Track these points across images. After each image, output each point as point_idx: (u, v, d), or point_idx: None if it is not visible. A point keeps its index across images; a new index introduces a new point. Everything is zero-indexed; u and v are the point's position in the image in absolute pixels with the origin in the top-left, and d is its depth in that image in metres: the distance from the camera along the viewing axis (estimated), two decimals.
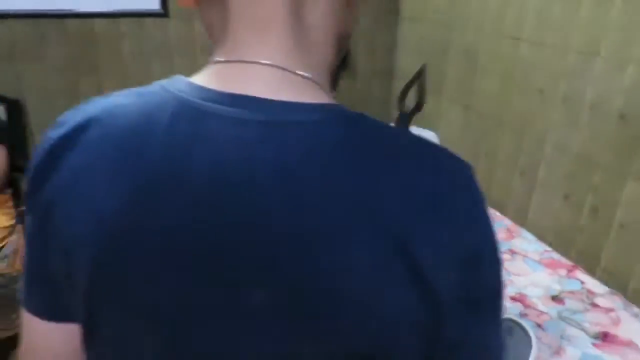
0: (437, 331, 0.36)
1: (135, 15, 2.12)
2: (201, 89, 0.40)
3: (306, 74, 0.40)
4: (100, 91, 2.17)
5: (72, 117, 0.43)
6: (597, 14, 1.48)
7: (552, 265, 1.60)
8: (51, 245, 0.42)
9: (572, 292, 1.46)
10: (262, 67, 0.40)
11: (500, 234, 1.79)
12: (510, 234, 1.77)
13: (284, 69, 0.40)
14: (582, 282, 1.50)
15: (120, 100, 0.43)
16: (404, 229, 0.34)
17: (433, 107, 2.38)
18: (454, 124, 2.24)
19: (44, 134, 0.45)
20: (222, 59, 0.42)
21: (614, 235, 1.51)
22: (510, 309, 1.39)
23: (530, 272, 1.57)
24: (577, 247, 1.65)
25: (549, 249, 1.67)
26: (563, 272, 1.56)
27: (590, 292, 1.46)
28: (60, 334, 0.48)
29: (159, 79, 1.82)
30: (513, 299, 1.43)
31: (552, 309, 1.39)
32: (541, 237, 1.75)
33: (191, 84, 0.42)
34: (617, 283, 1.50)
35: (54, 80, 2.10)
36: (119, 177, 0.39)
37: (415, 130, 2.39)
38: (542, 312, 1.37)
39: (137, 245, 0.38)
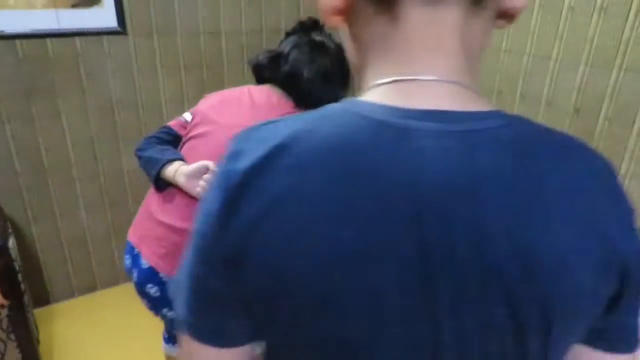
0: (616, 308, 0.43)
1: (91, 34, 2.04)
2: (392, 108, 0.41)
3: (472, 87, 0.44)
4: (57, 113, 2.05)
5: (252, 146, 0.42)
6: (547, 22, 1.68)
7: None
8: (246, 274, 0.42)
9: None
10: (438, 83, 0.42)
11: None
12: None
13: (456, 83, 0.42)
14: None
15: (300, 125, 0.42)
16: (604, 223, 0.40)
17: None
18: None
19: (220, 169, 0.44)
20: (393, 78, 0.43)
21: None
22: None
23: None
24: None
25: None
26: None
27: None
28: (232, 357, 0.48)
29: (120, 98, 1.75)
30: None
31: None
32: None
33: (375, 104, 0.42)
34: None
35: (5, 104, 1.95)
36: (333, 200, 0.39)
37: None
38: None
39: (364, 271, 0.39)
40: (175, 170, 1.17)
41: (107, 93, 2.13)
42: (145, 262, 1.19)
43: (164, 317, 1.24)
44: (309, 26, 1.32)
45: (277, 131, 0.43)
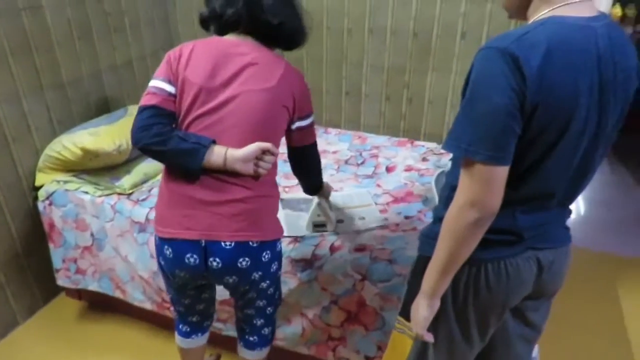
0: None
1: None
2: (580, 17, 0.83)
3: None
4: None
5: (530, 49, 0.78)
6: None
7: (402, 143, 2.34)
8: (535, 116, 0.82)
9: (427, 154, 2.24)
10: (582, 3, 0.84)
11: (355, 142, 2.39)
12: (363, 140, 2.40)
13: (588, 1, 0.85)
14: (423, 146, 2.30)
15: (547, 34, 0.80)
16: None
17: None
18: None
19: (508, 67, 0.79)
20: (563, 3, 0.84)
21: (427, 111, 2.36)
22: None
23: (396, 154, 2.26)
24: (404, 129, 2.45)
25: (392, 138, 2.40)
26: (409, 145, 2.32)
27: (430, 150, 2.27)
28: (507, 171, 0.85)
29: None
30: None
31: (430, 164, 2.13)
32: (378, 132, 2.46)
33: (571, 17, 0.82)
34: (436, 139, 2.39)
35: None
36: (577, 84, 0.81)
37: None
38: (428, 168, 2.10)
39: (587, 91, 0.83)
40: (224, 157, 1.15)
41: None
42: (228, 243, 1.18)
43: (251, 282, 1.26)
44: None
45: (540, 40, 0.80)
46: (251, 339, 1.48)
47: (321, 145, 2.38)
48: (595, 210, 3.02)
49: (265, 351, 1.52)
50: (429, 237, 1.03)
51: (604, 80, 0.84)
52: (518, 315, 1.09)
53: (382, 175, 2.10)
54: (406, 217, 1.77)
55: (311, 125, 1.34)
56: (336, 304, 1.58)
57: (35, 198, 1.95)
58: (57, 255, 2.00)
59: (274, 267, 1.30)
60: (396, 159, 2.22)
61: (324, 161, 2.23)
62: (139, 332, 2.03)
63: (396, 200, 1.90)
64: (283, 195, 1.91)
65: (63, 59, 2.05)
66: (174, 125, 1.22)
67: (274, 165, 1.28)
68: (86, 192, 1.87)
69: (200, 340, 1.54)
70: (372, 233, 1.68)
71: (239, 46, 1.22)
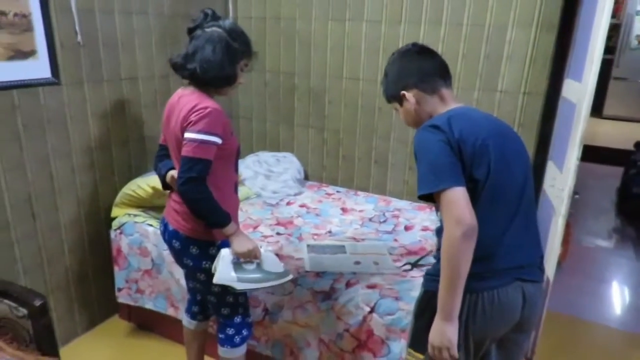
0: None
1: (29, 86, 1.95)
2: (460, 106, 1.36)
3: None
4: None
5: (442, 120, 1.24)
6: None
7: (421, 208, 2.64)
8: (463, 156, 1.21)
9: None
10: (452, 101, 1.38)
11: (380, 204, 2.72)
12: (387, 202, 2.73)
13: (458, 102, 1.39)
14: None
15: (448, 115, 1.27)
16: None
17: (287, 134, 3.09)
18: (311, 142, 3.03)
19: (435, 129, 1.22)
20: (448, 109, 1.33)
21: None
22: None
23: (415, 217, 2.56)
24: None
25: (413, 203, 2.71)
26: (428, 210, 2.62)
27: None
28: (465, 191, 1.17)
29: (55, 148, 2.05)
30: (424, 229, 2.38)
31: None
32: (401, 197, 2.79)
33: (458, 107, 1.35)
34: None
35: None
36: (475, 128, 1.24)
37: (272, 154, 3.04)
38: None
39: (495, 150, 1.23)
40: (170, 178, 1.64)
41: (43, 145, 2.06)
42: (170, 227, 1.64)
43: (184, 265, 1.69)
44: (202, 20, 1.54)
45: (444, 117, 1.27)
46: (220, 335, 1.76)
47: (350, 204, 2.74)
48: (619, 293, 3.12)
49: (231, 352, 1.76)
50: (432, 275, 1.28)
51: (498, 133, 1.27)
52: (501, 348, 1.36)
53: (400, 232, 2.39)
54: None
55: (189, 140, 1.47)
56: (348, 332, 1.83)
57: (109, 227, 2.37)
58: (120, 277, 2.37)
59: (188, 261, 1.65)
60: (415, 220, 2.52)
61: (350, 217, 2.57)
62: (181, 349, 2.31)
63: (410, 252, 2.18)
64: (309, 242, 2.23)
65: (146, 117, 2.56)
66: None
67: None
68: (150, 225, 2.27)
69: (193, 323, 1.93)
70: (383, 276, 1.96)
71: (181, 94, 1.58)
